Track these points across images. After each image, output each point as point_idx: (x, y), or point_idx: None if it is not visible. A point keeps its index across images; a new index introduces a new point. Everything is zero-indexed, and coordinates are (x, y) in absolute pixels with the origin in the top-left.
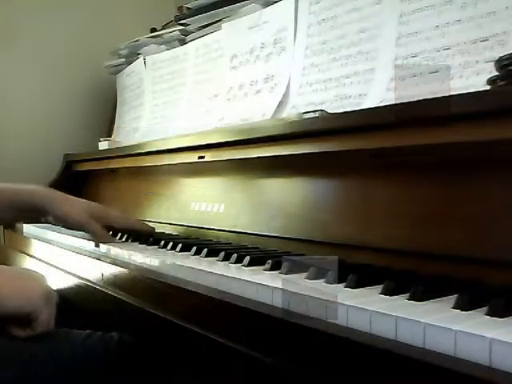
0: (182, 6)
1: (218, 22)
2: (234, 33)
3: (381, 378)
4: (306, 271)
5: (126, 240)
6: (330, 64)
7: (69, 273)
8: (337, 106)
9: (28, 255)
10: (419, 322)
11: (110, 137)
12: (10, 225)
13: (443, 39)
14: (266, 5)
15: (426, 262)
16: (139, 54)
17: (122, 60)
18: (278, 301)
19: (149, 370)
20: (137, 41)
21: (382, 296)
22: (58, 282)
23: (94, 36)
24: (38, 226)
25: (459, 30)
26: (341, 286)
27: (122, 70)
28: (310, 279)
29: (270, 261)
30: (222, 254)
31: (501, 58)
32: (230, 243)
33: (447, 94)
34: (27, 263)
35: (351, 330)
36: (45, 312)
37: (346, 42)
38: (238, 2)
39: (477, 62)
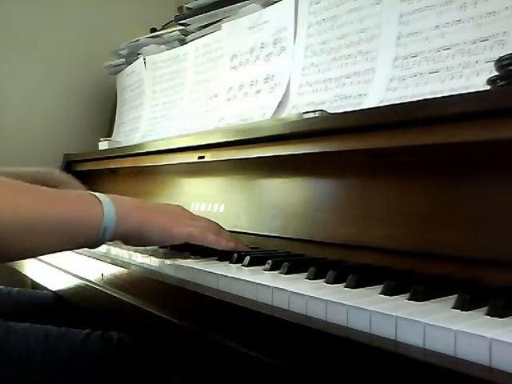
0: (182, 6)
1: (218, 22)
2: (234, 33)
3: (381, 378)
4: (306, 271)
5: None
6: (330, 64)
7: (69, 273)
8: (337, 106)
9: None
10: (419, 321)
11: (110, 137)
12: None
13: (443, 39)
14: (266, 5)
15: (425, 262)
16: (139, 54)
17: (122, 60)
18: (277, 301)
19: (148, 370)
20: (137, 41)
21: (382, 296)
22: (58, 281)
23: (94, 36)
24: None
25: (459, 30)
26: (341, 285)
27: (121, 70)
28: (310, 279)
29: (270, 261)
30: (222, 253)
31: (501, 57)
32: None
33: (447, 94)
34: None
35: (351, 330)
36: (201, 238)
37: (345, 42)
38: (238, 1)
39: (477, 61)
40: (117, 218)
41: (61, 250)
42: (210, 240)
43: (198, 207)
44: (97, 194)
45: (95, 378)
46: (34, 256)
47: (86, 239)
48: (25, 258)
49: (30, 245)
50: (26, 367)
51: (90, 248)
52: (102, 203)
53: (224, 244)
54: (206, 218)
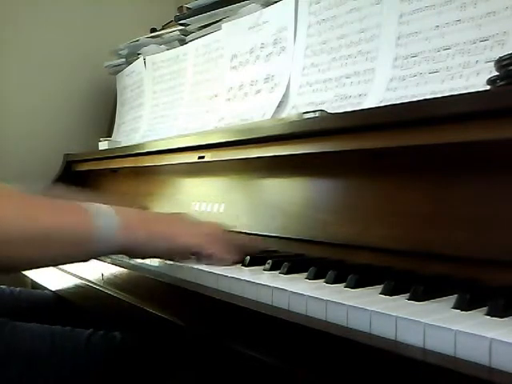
0: (182, 6)
1: (218, 21)
2: (234, 33)
3: (381, 379)
4: (306, 271)
5: None
6: (330, 64)
7: (69, 273)
8: (337, 106)
9: None
10: (419, 321)
11: (110, 137)
12: None
13: (443, 39)
14: (266, 5)
15: (425, 262)
16: (139, 54)
17: (122, 60)
18: (277, 301)
19: (150, 370)
20: (137, 41)
21: (382, 296)
22: (58, 281)
23: (94, 36)
24: None
25: (459, 30)
26: (341, 285)
27: (121, 70)
28: (310, 279)
29: (270, 261)
30: None
31: (501, 57)
32: None
33: (447, 94)
34: None
35: (351, 330)
36: (209, 248)
37: (345, 41)
38: (238, 1)
39: (477, 62)
40: (118, 230)
41: (56, 264)
42: (215, 257)
43: (198, 207)
44: (96, 204)
45: (98, 378)
46: (27, 268)
47: (76, 251)
48: (18, 271)
49: (24, 256)
50: (31, 366)
51: (84, 261)
52: (90, 213)
53: (228, 260)
54: (212, 223)
